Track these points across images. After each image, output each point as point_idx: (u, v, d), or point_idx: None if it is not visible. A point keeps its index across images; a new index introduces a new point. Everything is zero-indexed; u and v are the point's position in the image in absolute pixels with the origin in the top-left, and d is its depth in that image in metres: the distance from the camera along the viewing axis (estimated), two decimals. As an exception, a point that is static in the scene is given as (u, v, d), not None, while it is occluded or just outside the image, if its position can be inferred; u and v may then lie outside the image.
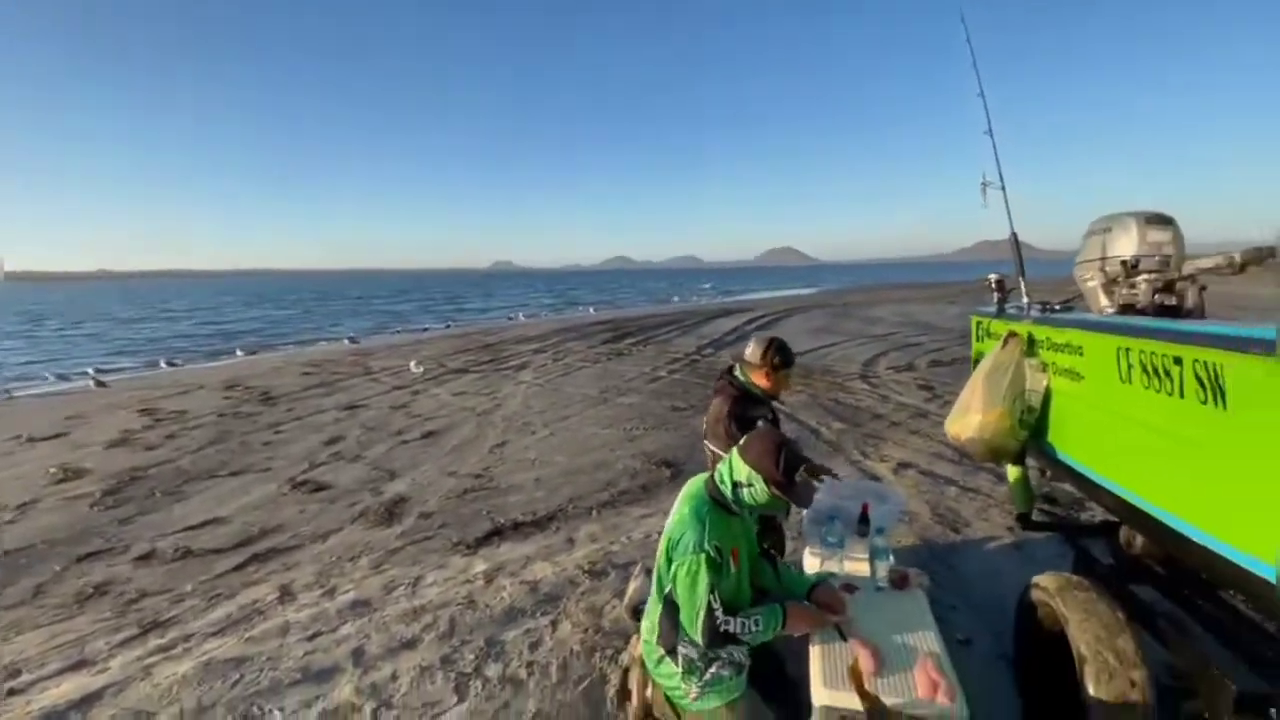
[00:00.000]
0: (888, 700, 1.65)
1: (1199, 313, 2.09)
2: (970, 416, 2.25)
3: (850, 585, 2.31)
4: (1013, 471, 2.57)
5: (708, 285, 37.62)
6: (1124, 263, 2.36)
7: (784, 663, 2.33)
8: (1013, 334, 2.31)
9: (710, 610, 1.89)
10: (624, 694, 2.37)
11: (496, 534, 4.07)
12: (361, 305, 39.56)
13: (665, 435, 6.50)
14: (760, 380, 2.62)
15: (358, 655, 2.77)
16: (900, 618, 2.07)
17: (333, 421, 7.53)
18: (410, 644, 2.84)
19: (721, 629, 1.91)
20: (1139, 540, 2.12)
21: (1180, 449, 1.50)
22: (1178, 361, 1.45)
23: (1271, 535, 1.28)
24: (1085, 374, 1.93)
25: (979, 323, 2.87)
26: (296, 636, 2.95)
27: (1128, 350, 1.67)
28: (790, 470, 1.91)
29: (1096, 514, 3.68)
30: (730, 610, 1.96)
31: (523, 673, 2.60)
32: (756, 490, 1.94)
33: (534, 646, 2.78)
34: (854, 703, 1.65)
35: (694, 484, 2.14)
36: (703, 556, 1.89)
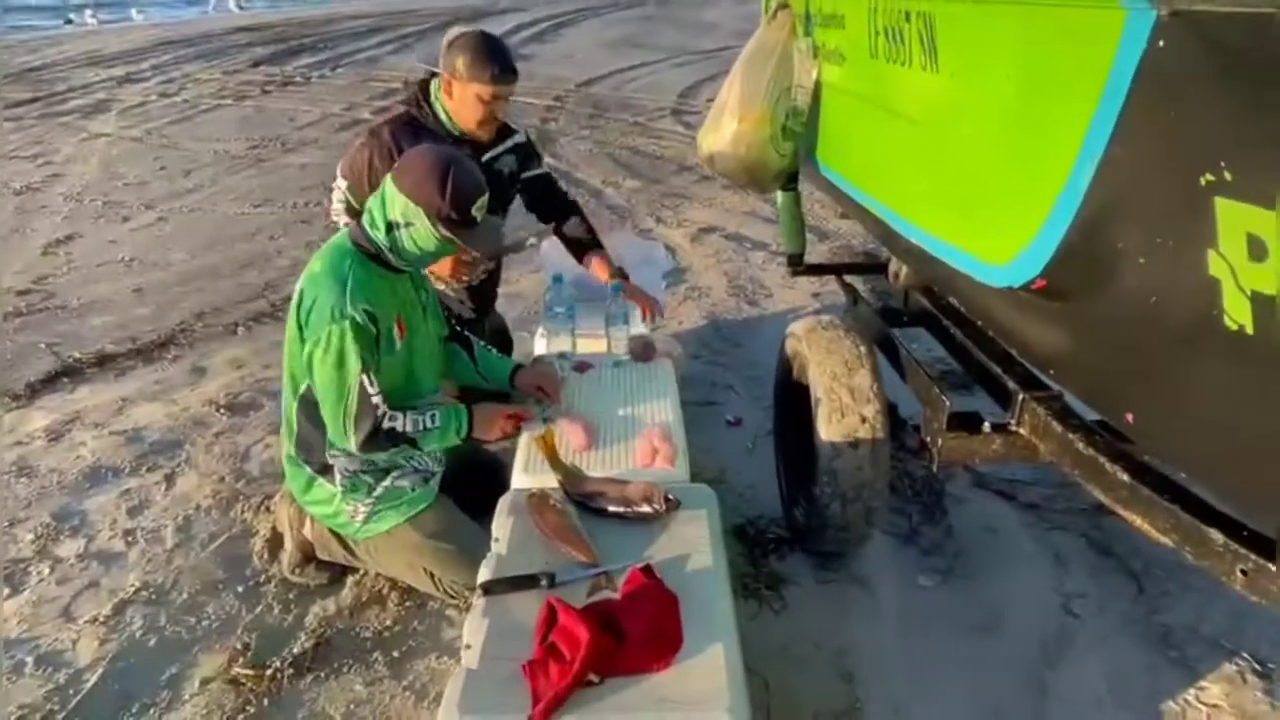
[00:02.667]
0: (593, 473, 2.11)
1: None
2: (724, 125, 2.62)
3: (584, 363, 2.74)
4: (782, 199, 3.09)
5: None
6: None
7: (501, 468, 2.78)
8: (784, 5, 2.65)
9: (364, 397, 2.11)
10: (276, 542, 2.68)
11: (66, 375, 3.98)
12: None
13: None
14: (445, 96, 2.66)
15: None
16: (637, 392, 2.55)
17: None
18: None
19: (385, 425, 2.18)
20: (903, 271, 2.78)
21: (909, 133, 1.97)
22: (907, 18, 1.85)
23: (989, 228, 1.80)
24: (846, 54, 2.33)
25: (768, -5, 3.19)
26: None
27: (876, 11, 2.05)
28: (463, 199, 2.06)
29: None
30: (398, 405, 2.24)
31: (118, 544, 2.77)
32: (418, 231, 2.09)
33: (136, 511, 2.94)
34: (548, 479, 2.08)
35: (337, 235, 2.28)
36: (345, 325, 2.04)
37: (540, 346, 2.97)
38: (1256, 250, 1.05)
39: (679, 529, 1.92)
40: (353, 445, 2.16)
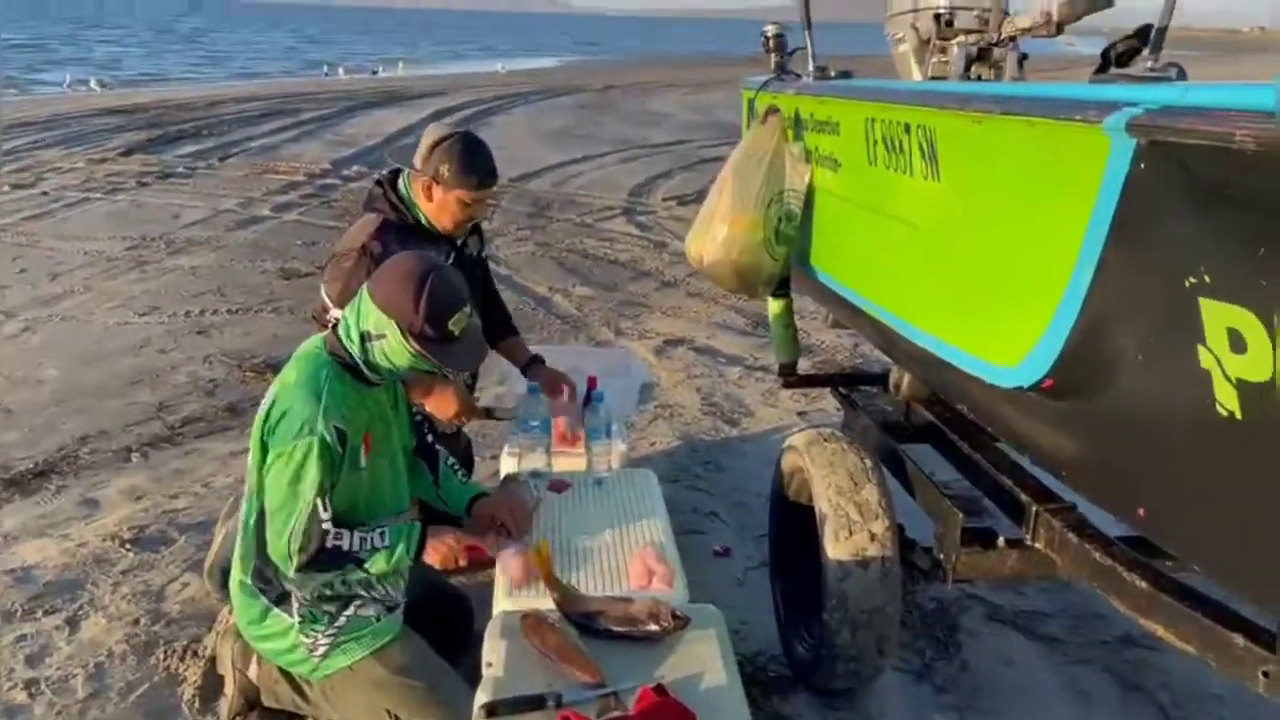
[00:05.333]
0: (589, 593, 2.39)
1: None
2: (715, 229, 3.04)
3: (561, 482, 3.03)
4: (773, 306, 3.51)
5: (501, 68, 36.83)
6: (937, 17, 3.29)
7: (467, 606, 3.02)
8: (774, 109, 3.13)
9: (314, 520, 2.35)
10: (210, 687, 2.85)
11: (-76, 511, 4.08)
12: None
13: (272, 321, 6.77)
14: (422, 198, 3.08)
15: None
16: (623, 511, 2.85)
17: None
18: None
19: (330, 543, 2.40)
20: (906, 380, 3.18)
21: (912, 239, 2.39)
22: (907, 130, 2.29)
23: (997, 330, 2.19)
24: (842, 160, 2.79)
25: (750, 97, 3.70)
26: None
27: (874, 122, 2.50)
28: (439, 314, 2.35)
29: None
30: (350, 523, 2.46)
31: (19, 695, 2.89)
32: (390, 345, 2.38)
33: (36, 659, 3.07)
34: (541, 600, 2.35)
35: (311, 342, 2.59)
36: (314, 441, 2.31)
37: (510, 465, 3.25)
38: (1237, 343, 1.44)
39: (687, 648, 2.19)
40: (291, 567, 2.38)
